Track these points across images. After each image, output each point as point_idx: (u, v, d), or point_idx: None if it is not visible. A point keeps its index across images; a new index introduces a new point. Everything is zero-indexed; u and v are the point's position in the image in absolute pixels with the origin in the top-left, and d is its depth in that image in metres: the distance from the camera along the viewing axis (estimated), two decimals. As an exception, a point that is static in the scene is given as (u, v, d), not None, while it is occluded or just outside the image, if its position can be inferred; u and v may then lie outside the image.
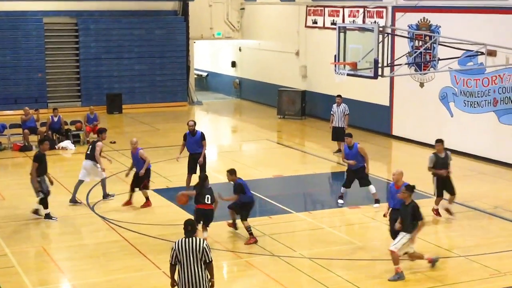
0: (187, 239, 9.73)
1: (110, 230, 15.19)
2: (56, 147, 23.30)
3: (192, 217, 13.02)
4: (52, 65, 30.96)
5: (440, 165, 15.77)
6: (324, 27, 28.50)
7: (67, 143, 23.48)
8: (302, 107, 29.50)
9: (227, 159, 22.59)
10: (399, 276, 12.36)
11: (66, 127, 24.21)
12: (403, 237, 12.44)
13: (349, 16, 26.78)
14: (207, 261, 9.70)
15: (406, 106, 24.61)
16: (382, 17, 24.97)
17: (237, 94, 35.71)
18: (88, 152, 17.00)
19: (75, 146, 23.59)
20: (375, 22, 24.63)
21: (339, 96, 22.35)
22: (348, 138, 16.89)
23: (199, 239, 9.78)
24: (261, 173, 20.21)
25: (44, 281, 12.51)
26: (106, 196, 17.31)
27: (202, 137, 17.83)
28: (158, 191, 18.01)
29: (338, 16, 27.41)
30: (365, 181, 16.97)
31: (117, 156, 22.18)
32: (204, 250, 9.65)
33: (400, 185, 13.25)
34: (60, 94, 31.16)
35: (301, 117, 29.26)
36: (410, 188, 12.66)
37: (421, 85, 23.87)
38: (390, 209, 13.42)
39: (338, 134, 22.08)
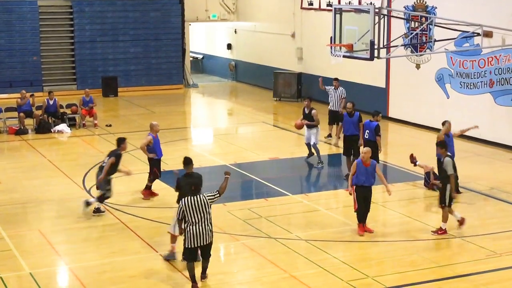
0: (192, 197, 11.10)
1: (107, 213, 15.19)
2: (52, 130, 23.27)
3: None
4: (47, 48, 30.84)
5: None
6: (320, 9, 28.40)
7: (63, 127, 23.42)
8: (298, 89, 29.45)
9: (223, 142, 22.61)
10: (172, 255, 12.50)
11: (61, 110, 24.14)
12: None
13: (345, -3, 26.68)
14: (215, 198, 11.23)
15: (403, 88, 24.59)
16: (378, -1, 24.88)
17: (232, 77, 35.63)
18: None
19: (71, 129, 23.54)
20: (371, 3, 24.52)
21: (336, 79, 22.26)
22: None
23: (201, 195, 11.14)
24: (257, 155, 20.21)
25: (41, 264, 12.52)
26: (310, 157, 19.07)
27: (360, 119, 17.68)
28: (154, 174, 18.02)
29: (334, -3, 27.32)
30: None
31: (113, 139, 22.08)
32: (209, 201, 11.15)
33: (369, 162, 13.66)
34: (55, 77, 31.07)
35: (297, 100, 29.22)
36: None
37: (417, 66, 23.83)
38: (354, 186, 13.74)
39: (335, 118, 22.01)
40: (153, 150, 16.03)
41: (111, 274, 12.07)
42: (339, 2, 26.66)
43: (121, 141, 15.18)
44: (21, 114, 23.28)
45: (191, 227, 11.08)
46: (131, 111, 27.41)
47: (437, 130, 22.96)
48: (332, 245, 13.34)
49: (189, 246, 11.18)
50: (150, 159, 16.12)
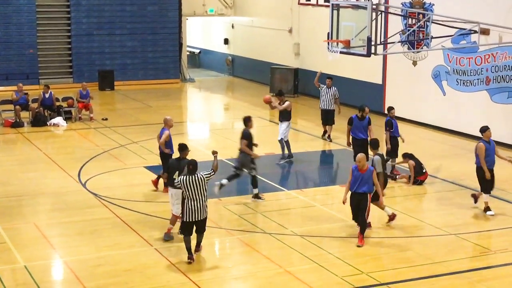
0: (190, 176, 11.88)
1: (102, 207, 15.18)
2: (48, 123, 23.24)
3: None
4: (43, 41, 30.77)
5: None
6: (317, 5, 28.39)
7: (58, 120, 23.39)
8: (294, 85, 29.44)
9: (219, 136, 22.61)
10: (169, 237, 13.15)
11: (57, 103, 24.10)
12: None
13: (343, -7, 26.64)
14: (210, 176, 12.05)
15: (399, 85, 24.60)
16: (375, -5, 24.86)
17: (229, 72, 35.61)
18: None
19: (66, 122, 23.51)
20: (368, -1, 24.52)
21: (329, 78, 22.13)
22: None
23: (199, 174, 11.92)
24: (253, 150, 20.16)
25: (36, 257, 12.51)
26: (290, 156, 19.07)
27: (370, 122, 17.36)
28: (150, 168, 18.02)
29: (331, -7, 27.29)
30: None
31: (109, 133, 22.15)
32: (205, 178, 11.97)
33: (366, 168, 13.06)
34: (51, 71, 31.00)
35: (294, 95, 29.20)
36: None
37: (414, 63, 23.85)
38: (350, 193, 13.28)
39: (328, 117, 21.84)
40: (169, 145, 15.84)
41: (106, 268, 12.06)
42: (337, -2, 26.63)
43: (247, 120, 16.04)
44: (17, 107, 23.23)
45: (189, 203, 11.88)
46: (128, 105, 27.38)
47: (434, 127, 23.06)
48: (327, 241, 13.35)
49: (187, 220, 11.97)
50: (163, 154, 15.89)
